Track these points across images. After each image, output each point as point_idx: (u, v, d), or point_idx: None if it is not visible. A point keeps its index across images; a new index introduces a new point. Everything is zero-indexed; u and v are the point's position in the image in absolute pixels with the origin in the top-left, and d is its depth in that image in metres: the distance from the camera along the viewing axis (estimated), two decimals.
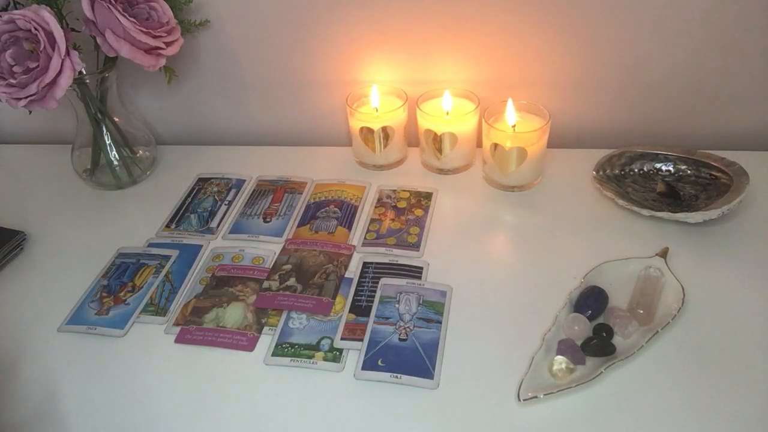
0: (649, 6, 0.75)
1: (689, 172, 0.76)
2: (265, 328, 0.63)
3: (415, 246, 0.72)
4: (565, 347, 0.57)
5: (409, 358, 0.59)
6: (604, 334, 0.58)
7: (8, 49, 0.67)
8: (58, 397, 0.58)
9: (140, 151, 0.87)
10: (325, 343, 0.61)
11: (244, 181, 0.85)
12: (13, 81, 0.67)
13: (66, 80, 0.67)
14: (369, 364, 0.58)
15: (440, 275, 0.68)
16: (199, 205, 0.81)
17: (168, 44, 0.73)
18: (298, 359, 0.60)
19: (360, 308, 0.64)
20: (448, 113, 0.80)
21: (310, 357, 0.60)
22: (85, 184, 0.86)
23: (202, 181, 0.85)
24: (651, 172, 0.78)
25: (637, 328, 0.59)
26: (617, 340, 0.58)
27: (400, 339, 0.60)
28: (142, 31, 0.69)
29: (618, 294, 0.62)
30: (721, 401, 0.53)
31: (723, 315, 0.61)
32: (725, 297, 0.62)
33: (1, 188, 0.88)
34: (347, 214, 0.77)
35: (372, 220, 0.76)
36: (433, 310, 0.63)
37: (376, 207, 0.78)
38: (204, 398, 0.57)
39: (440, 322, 0.62)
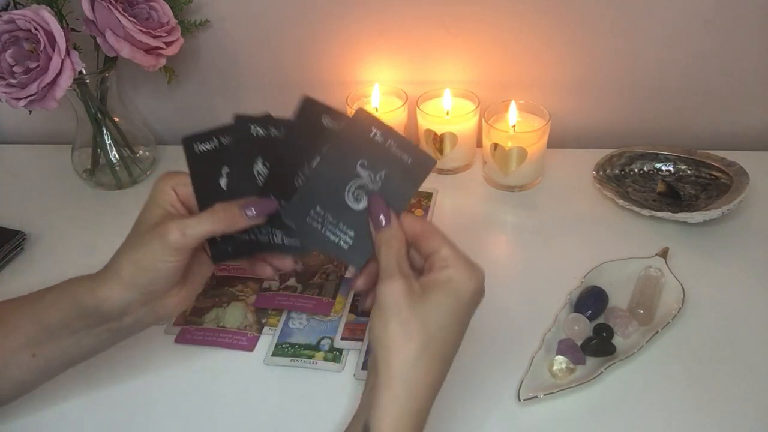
0: (650, 6, 0.75)
1: (689, 172, 0.76)
2: (265, 328, 0.63)
3: None
4: (565, 347, 0.57)
5: None
6: (604, 334, 0.58)
7: (8, 49, 0.67)
8: (58, 398, 0.58)
9: (140, 151, 0.87)
10: (325, 343, 0.61)
11: None
12: (13, 81, 0.67)
13: (66, 80, 0.67)
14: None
15: None
16: None
17: (168, 44, 0.73)
18: (298, 359, 0.60)
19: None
20: (448, 113, 0.80)
21: (310, 357, 0.60)
22: (85, 184, 0.86)
23: None
24: (651, 172, 0.78)
25: (637, 328, 0.59)
26: (617, 340, 0.58)
27: None
28: (142, 31, 0.69)
29: (618, 294, 0.62)
30: (721, 401, 0.53)
31: (723, 315, 0.61)
32: (725, 297, 0.62)
33: (1, 188, 0.88)
34: None
35: None
36: None
37: None
38: (204, 398, 0.57)
39: None
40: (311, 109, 0.48)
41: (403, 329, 0.41)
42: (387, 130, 0.47)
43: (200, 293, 0.67)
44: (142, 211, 0.49)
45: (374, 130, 0.47)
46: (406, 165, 0.47)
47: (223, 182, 0.49)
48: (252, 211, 0.47)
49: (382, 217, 0.46)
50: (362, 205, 0.47)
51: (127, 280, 0.47)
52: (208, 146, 0.49)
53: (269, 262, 0.52)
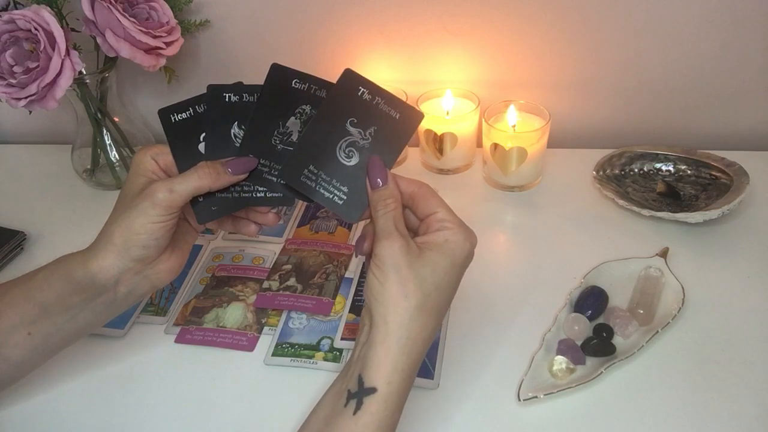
0: (650, 6, 0.75)
1: (689, 172, 0.76)
2: (265, 328, 0.63)
3: None
4: (565, 347, 0.57)
5: None
6: (604, 334, 0.58)
7: (8, 49, 0.67)
8: (58, 397, 0.58)
9: None
10: (325, 343, 0.61)
11: None
12: (13, 81, 0.67)
13: (66, 80, 0.67)
14: None
15: None
16: None
17: (168, 44, 0.73)
18: (298, 359, 0.60)
19: (360, 308, 0.64)
20: (448, 113, 0.80)
21: (310, 357, 0.60)
22: (85, 184, 0.86)
23: None
24: (651, 172, 0.78)
25: (637, 328, 0.59)
26: (617, 340, 0.58)
27: None
28: (142, 31, 0.69)
29: (618, 294, 0.62)
30: (721, 401, 0.53)
31: (723, 315, 0.61)
32: (725, 297, 0.62)
33: (1, 188, 0.88)
34: None
35: None
36: None
37: None
38: (204, 398, 0.57)
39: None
40: (281, 75, 0.51)
41: (400, 287, 0.43)
42: (374, 88, 0.49)
43: (200, 293, 0.67)
44: (125, 184, 0.51)
45: (362, 89, 0.49)
46: (394, 120, 0.50)
47: (201, 147, 0.52)
48: (234, 168, 0.50)
49: (379, 178, 0.47)
50: (354, 161, 0.49)
51: (120, 246, 0.48)
52: (184, 115, 0.52)
53: (253, 219, 0.54)
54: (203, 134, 0.52)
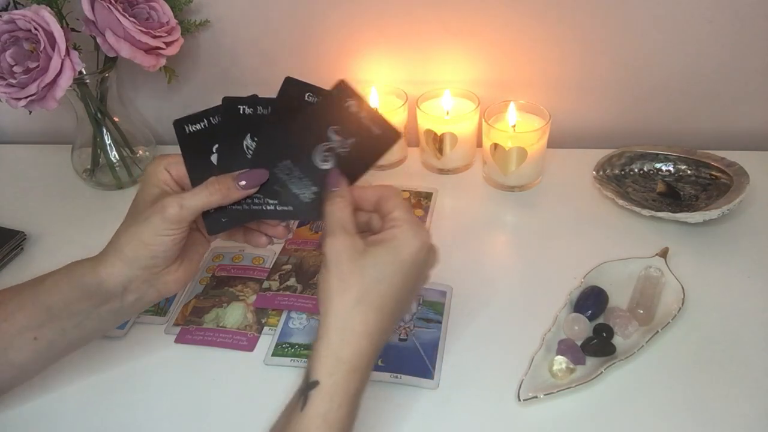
0: (650, 6, 0.75)
1: (689, 172, 0.76)
2: (265, 328, 0.63)
3: None
4: (565, 347, 0.57)
5: (409, 358, 0.59)
6: (604, 334, 0.58)
7: (8, 49, 0.67)
8: (58, 397, 0.58)
9: (140, 151, 0.86)
10: None
11: None
12: (13, 81, 0.67)
13: (66, 80, 0.67)
14: None
15: (440, 275, 0.67)
16: None
17: (168, 44, 0.73)
18: (298, 359, 0.60)
19: None
20: (448, 113, 0.80)
21: None
22: (85, 184, 0.86)
23: None
24: (651, 172, 0.78)
25: (637, 328, 0.59)
26: (617, 340, 0.58)
27: (400, 339, 0.60)
28: (142, 31, 0.69)
29: (618, 294, 0.62)
30: (721, 401, 0.53)
31: (723, 315, 0.61)
32: (725, 297, 0.62)
33: (1, 188, 0.88)
34: None
35: None
36: (433, 310, 0.63)
37: None
38: (204, 398, 0.57)
39: (440, 322, 0.62)
40: (294, 88, 0.52)
41: (341, 281, 0.44)
42: (361, 103, 0.52)
43: (200, 293, 0.67)
44: (138, 193, 0.51)
45: (349, 101, 0.51)
46: (373, 135, 0.51)
47: (213, 158, 0.52)
48: (244, 182, 0.50)
49: (334, 182, 0.49)
50: (328, 165, 0.51)
51: (129, 255, 0.48)
52: (198, 126, 0.53)
53: (263, 231, 0.55)
54: (216, 145, 0.52)
